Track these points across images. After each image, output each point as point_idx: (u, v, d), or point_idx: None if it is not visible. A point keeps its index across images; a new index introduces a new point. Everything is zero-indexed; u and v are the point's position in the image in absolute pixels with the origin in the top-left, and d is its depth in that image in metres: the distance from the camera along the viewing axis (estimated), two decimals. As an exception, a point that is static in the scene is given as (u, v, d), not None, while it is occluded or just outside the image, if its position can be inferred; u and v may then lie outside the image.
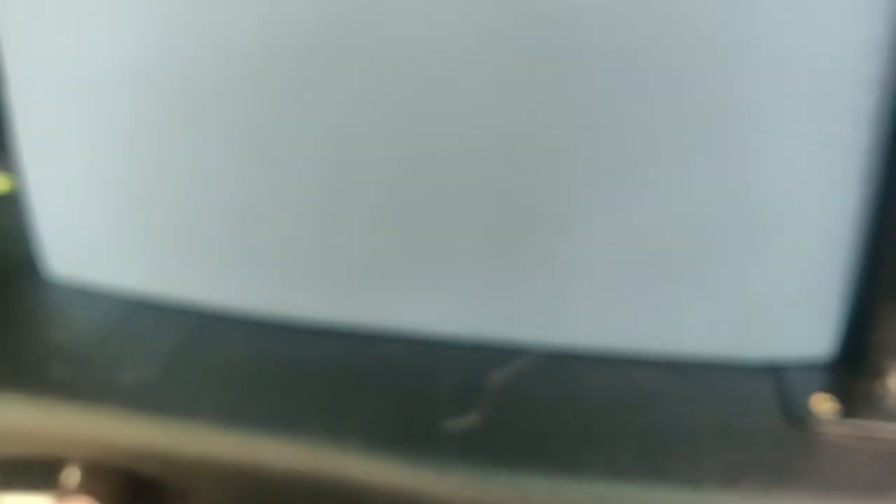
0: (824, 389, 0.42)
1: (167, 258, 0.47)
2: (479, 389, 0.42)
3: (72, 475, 0.42)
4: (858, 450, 0.39)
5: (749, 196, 0.40)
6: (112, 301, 0.49)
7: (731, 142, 0.39)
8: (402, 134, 0.41)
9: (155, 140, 0.44)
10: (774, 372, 0.44)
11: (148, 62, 0.42)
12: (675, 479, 0.38)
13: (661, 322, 0.43)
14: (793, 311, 0.43)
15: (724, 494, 0.37)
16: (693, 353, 0.44)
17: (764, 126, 0.39)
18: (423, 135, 0.40)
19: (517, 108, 0.39)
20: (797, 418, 0.41)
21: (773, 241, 0.41)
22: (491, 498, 0.38)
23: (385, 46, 0.39)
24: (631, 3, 0.37)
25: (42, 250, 0.50)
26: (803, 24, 0.37)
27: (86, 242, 0.48)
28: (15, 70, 0.46)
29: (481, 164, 0.41)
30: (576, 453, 0.39)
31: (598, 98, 0.39)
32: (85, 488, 0.42)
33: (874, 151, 0.39)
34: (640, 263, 0.42)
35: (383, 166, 0.41)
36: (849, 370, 0.43)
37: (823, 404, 0.41)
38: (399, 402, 0.42)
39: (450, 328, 0.45)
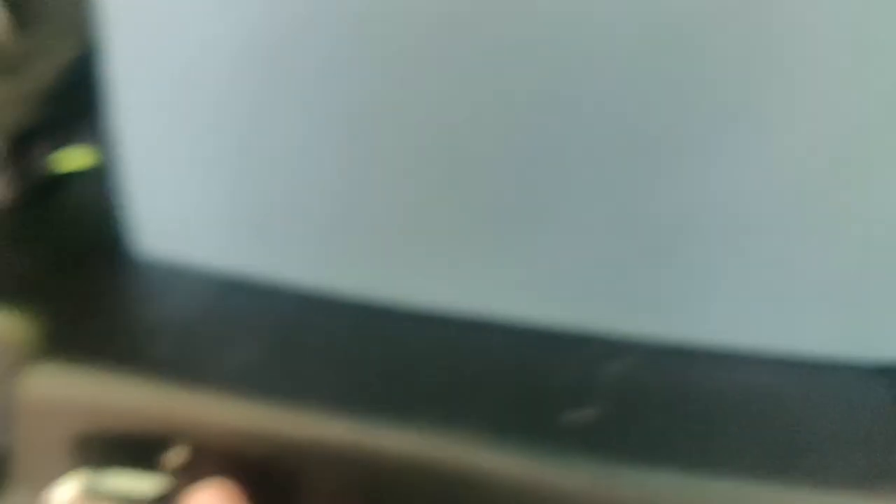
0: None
1: (270, 239, 0.46)
2: (595, 384, 0.41)
3: (177, 455, 0.41)
4: None
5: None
6: (204, 281, 0.48)
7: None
8: (531, 115, 0.40)
9: (266, 116, 0.43)
10: (892, 373, 0.43)
11: (271, 34, 0.41)
12: (805, 481, 0.37)
13: (779, 320, 0.42)
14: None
15: (859, 499, 0.36)
16: (811, 353, 0.43)
17: None
18: (556, 116, 0.40)
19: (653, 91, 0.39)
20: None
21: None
22: (614, 492, 0.37)
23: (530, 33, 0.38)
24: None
25: (134, 228, 0.49)
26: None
27: (184, 221, 0.47)
28: (118, 33, 0.44)
29: (610, 156, 0.40)
30: (699, 450, 0.38)
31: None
32: (191, 469, 0.41)
33: None
34: (761, 260, 0.41)
35: (510, 150, 0.40)
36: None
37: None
38: (516, 393, 0.41)
39: (563, 320, 0.44)
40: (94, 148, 0.58)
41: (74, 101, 0.54)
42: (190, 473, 0.41)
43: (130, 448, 0.43)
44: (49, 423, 0.42)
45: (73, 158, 0.58)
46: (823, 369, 0.43)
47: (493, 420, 0.39)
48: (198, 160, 0.45)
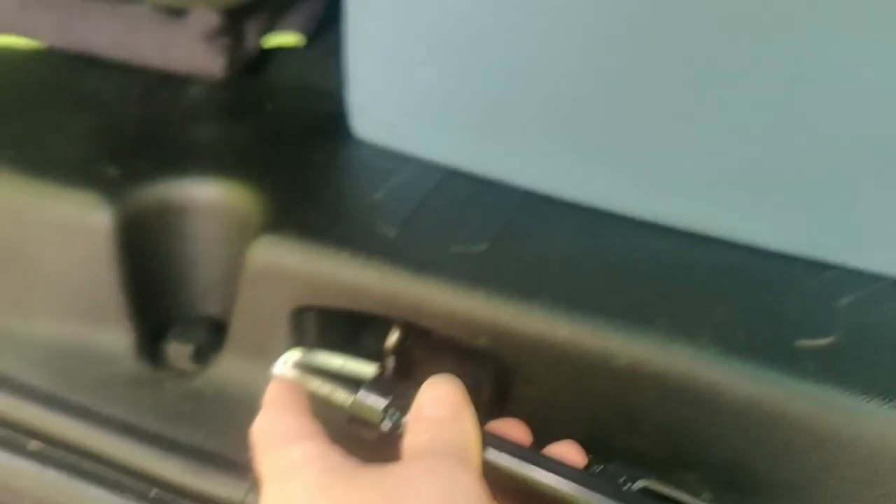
0: None
1: (489, 135, 0.45)
2: (830, 312, 0.39)
3: (394, 338, 0.41)
4: None
5: None
6: (423, 167, 0.48)
7: None
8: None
9: (491, 4, 0.41)
10: None
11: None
12: None
13: None
14: None
15: None
16: None
17: None
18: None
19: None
20: None
21: None
22: (847, 420, 0.36)
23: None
24: None
25: (355, 112, 0.49)
26: None
27: (405, 110, 0.47)
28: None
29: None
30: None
31: None
32: (407, 353, 0.41)
33: None
34: None
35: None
36: None
37: None
38: (747, 311, 0.39)
39: (794, 247, 0.42)
40: (302, 30, 0.58)
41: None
42: (406, 357, 0.42)
43: (347, 326, 0.44)
44: (270, 294, 0.42)
45: (284, 38, 0.58)
46: None
47: (726, 336, 0.37)
48: (425, 49, 0.44)
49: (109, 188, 0.45)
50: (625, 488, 0.33)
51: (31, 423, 0.42)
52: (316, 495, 0.30)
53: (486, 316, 0.39)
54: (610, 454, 0.38)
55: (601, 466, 0.34)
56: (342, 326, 0.44)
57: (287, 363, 0.41)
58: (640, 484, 0.33)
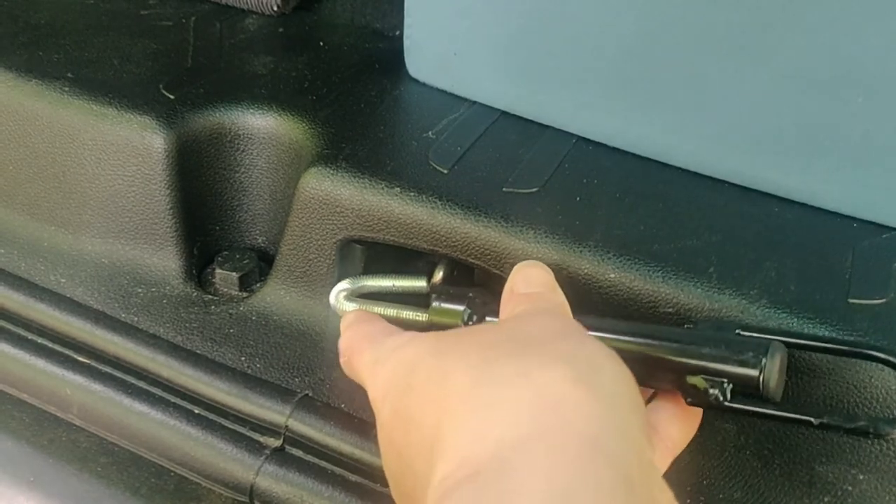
0: None
1: (543, 79, 0.44)
2: (885, 274, 0.39)
3: (440, 272, 0.41)
4: None
5: None
6: (476, 109, 0.47)
7: None
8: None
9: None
10: None
11: None
12: None
13: None
14: None
15: None
16: None
17: None
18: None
19: None
20: None
21: None
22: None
23: None
24: None
25: (412, 52, 0.49)
26: None
27: (461, 51, 0.46)
28: None
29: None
30: None
31: None
32: (451, 287, 0.41)
33: None
34: None
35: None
36: None
37: None
38: (799, 267, 0.38)
39: (851, 208, 0.41)
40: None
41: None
42: (450, 292, 0.41)
43: (392, 262, 0.44)
44: (318, 225, 0.43)
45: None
46: None
47: (776, 289, 0.37)
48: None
49: (165, 112, 0.46)
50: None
51: (80, 338, 0.43)
52: (433, 350, 0.29)
53: (536, 256, 0.39)
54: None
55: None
56: (387, 262, 0.44)
57: (342, 293, 0.42)
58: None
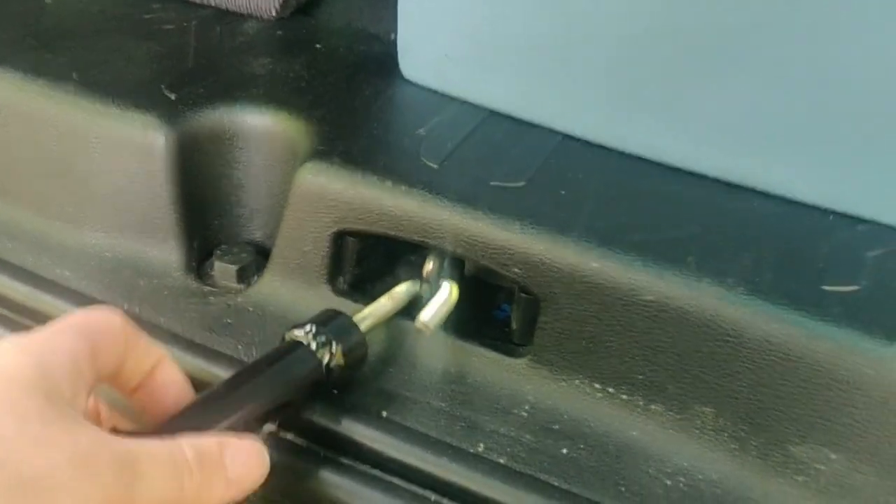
0: None
1: (532, 79, 0.46)
2: (858, 262, 0.40)
3: (431, 264, 0.43)
4: None
5: None
6: (467, 108, 0.49)
7: None
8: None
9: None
10: None
11: None
12: None
13: None
14: None
15: None
16: None
17: None
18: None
19: None
20: None
21: None
22: (867, 363, 0.36)
23: None
24: None
25: (403, 52, 0.51)
26: None
27: (451, 51, 0.48)
28: None
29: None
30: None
31: None
32: (440, 279, 0.43)
33: None
34: None
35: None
36: None
37: None
38: (776, 256, 0.40)
39: (827, 200, 0.43)
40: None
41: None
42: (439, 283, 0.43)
43: (385, 252, 0.46)
44: (313, 218, 0.44)
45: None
46: None
47: (753, 278, 0.38)
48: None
49: (166, 111, 0.47)
50: None
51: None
52: None
53: (521, 247, 0.40)
54: (631, 385, 0.40)
55: None
56: (382, 251, 0.45)
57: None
58: None
